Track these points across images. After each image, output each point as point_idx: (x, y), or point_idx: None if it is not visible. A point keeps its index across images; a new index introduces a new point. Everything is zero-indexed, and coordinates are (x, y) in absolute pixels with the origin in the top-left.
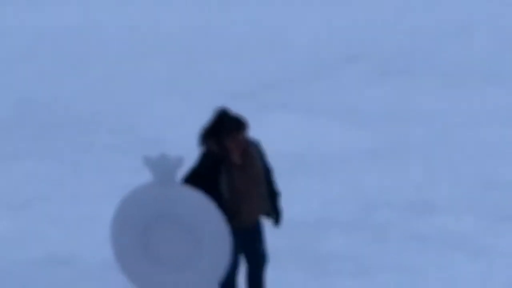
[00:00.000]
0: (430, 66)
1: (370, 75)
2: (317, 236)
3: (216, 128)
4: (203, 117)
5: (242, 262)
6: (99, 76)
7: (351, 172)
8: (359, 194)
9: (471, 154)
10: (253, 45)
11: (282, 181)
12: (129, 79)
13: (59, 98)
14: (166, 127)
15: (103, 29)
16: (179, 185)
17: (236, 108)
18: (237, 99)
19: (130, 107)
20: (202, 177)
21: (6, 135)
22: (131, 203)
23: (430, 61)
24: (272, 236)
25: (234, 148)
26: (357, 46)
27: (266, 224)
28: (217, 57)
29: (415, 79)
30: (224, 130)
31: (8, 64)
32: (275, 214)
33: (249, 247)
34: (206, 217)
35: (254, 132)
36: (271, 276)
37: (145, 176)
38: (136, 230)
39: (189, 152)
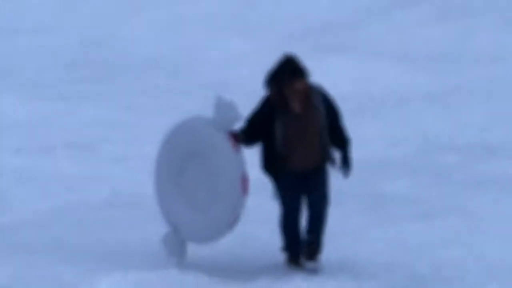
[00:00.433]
0: (490, 5)
1: (428, 16)
2: (380, 178)
3: (277, 74)
4: (262, 59)
5: (304, 205)
6: (158, 18)
7: (412, 114)
8: (419, 137)
9: None
10: None
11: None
12: (187, 21)
13: (119, 39)
14: (224, 69)
15: None
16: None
17: (293, 50)
18: (293, 42)
19: (189, 49)
20: (258, 122)
21: (68, 77)
22: (170, 143)
23: (489, 1)
24: (335, 178)
25: (292, 96)
26: None
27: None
28: (275, 0)
29: (474, 19)
30: (283, 78)
31: (70, 5)
32: (345, 164)
33: (308, 190)
34: (225, 169)
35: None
36: (334, 219)
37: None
38: (174, 170)
39: (248, 94)
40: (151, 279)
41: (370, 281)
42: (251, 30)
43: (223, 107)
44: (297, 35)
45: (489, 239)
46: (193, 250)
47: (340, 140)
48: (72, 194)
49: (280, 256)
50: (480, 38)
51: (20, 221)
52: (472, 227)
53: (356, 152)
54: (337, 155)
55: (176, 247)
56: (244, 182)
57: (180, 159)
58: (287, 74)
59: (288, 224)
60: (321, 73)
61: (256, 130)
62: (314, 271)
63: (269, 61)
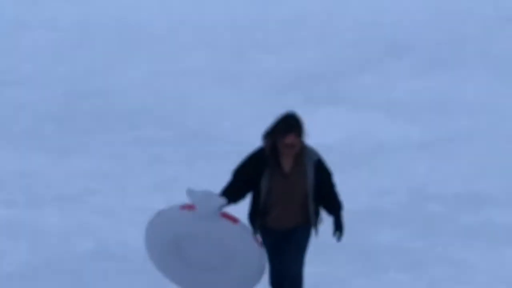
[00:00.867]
0: (480, 55)
1: (416, 67)
2: (367, 228)
3: (273, 128)
4: (251, 110)
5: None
6: (147, 69)
7: (399, 164)
8: (407, 187)
9: None
10: (300, 37)
11: None
12: (176, 72)
13: (107, 91)
14: (214, 120)
15: (150, 22)
16: (219, 220)
17: (283, 101)
18: (284, 92)
19: (177, 100)
20: (245, 173)
21: (56, 129)
22: (161, 224)
23: (477, 52)
24: (321, 229)
25: (284, 150)
26: (404, 38)
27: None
28: (265, 50)
29: (465, 69)
30: (277, 131)
31: (57, 57)
32: (337, 229)
33: (285, 249)
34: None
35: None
36: (321, 269)
37: (194, 169)
38: (167, 239)
39: (235, 145)
40: None
41: None
42: (240, 81)
43: (201, 199)
44: (286, 86)
45: None
46: None
47: (332, 206)
48: (60, 246)
49: None
50: (470, 88)
51: (9, 274)
52: (460, 278)
53: (344, 201)
54: (324, 215)
55: None
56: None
57: (170, 244)
58: (282, 128)
59: (272, 282)
60: (310, 124)
61: (242, 180)
62: None
63: (258, 112)
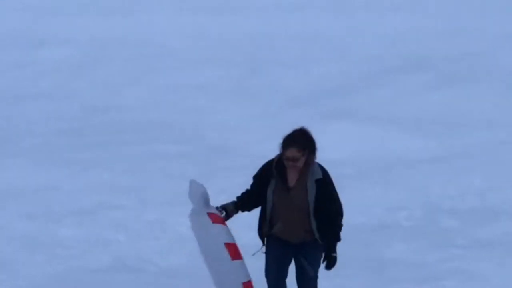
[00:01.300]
0: (493, 70)
1: (431, 82)
2: (381, 241)
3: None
4: (268, 124)
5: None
6: (164, 84)
7: (414, 178)
8: (422, 201)
9: None
10: (315, 52)
11: (345, 188)
12: (193, 86)
13: (125, 105)
14: (230, 134)
15: (167, 38)
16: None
17: (299, 115)
18: (300, 106)
19: (193, 114)
20: (255, 184)
21: (74, 143)
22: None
23: (492, 68)
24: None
25: (286, 163)
26: (418, 53)
27: None
28: (281, 65)
29: (478, 84)
30: (282, 145)
31: (75, 72)
32: (329, 259)
33: (296, 262)
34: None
35: (317, 139)
36: (334, 283)
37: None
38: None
39: (252, 159)
40: None
41: None
42: (257, 95)
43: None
44: (301, 101)
45: None
46: None
47: (328, 232)
48: (77, 259)
49: None
50: (485, 103)
51: (28, 286)
52: None
53: (358, 215)
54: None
55: None
56: (230, 248)
57: None
58: (284, 141)
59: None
60: (325, 138)
61: (252, 189)
62: None
63: (275, 126)
